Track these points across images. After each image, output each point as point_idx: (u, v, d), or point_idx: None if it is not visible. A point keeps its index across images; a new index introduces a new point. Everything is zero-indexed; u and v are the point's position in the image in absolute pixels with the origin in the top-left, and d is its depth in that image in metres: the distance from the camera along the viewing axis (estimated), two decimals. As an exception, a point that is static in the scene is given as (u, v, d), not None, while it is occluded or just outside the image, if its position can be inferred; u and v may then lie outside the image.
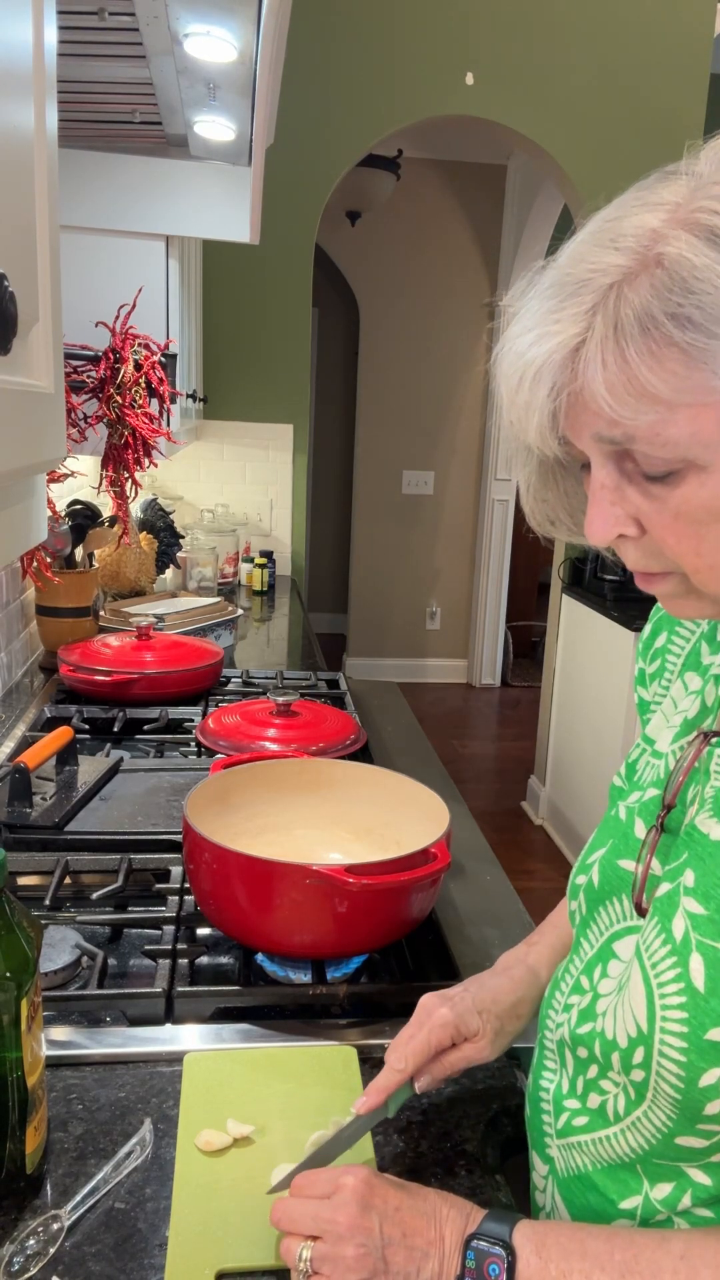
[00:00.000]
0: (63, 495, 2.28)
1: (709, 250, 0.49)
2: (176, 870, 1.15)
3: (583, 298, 0.53)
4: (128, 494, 1.76)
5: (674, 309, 0.49)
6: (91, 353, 1.61)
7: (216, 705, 1.84)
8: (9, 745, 1.58)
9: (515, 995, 0.80)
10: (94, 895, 1.09)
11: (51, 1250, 0.67)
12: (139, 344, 1.64)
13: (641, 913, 0.63)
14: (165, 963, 0.97)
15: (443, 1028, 0.75)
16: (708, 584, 0.57)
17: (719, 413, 0.50)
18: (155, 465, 1.74)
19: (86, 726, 1.70)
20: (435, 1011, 0.76)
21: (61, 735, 1.41)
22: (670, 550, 0.57)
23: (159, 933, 1.05)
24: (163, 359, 1.68)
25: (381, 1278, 0.60)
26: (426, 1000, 0.77)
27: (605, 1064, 0.64)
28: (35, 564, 1.69)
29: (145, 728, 1.71)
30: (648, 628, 0.78)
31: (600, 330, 0.52)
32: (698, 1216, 0.61)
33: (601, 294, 0.52)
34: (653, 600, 0.65)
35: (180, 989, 0.93)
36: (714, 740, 0.63)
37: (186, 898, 1.09)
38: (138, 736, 1.68)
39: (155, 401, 1.67)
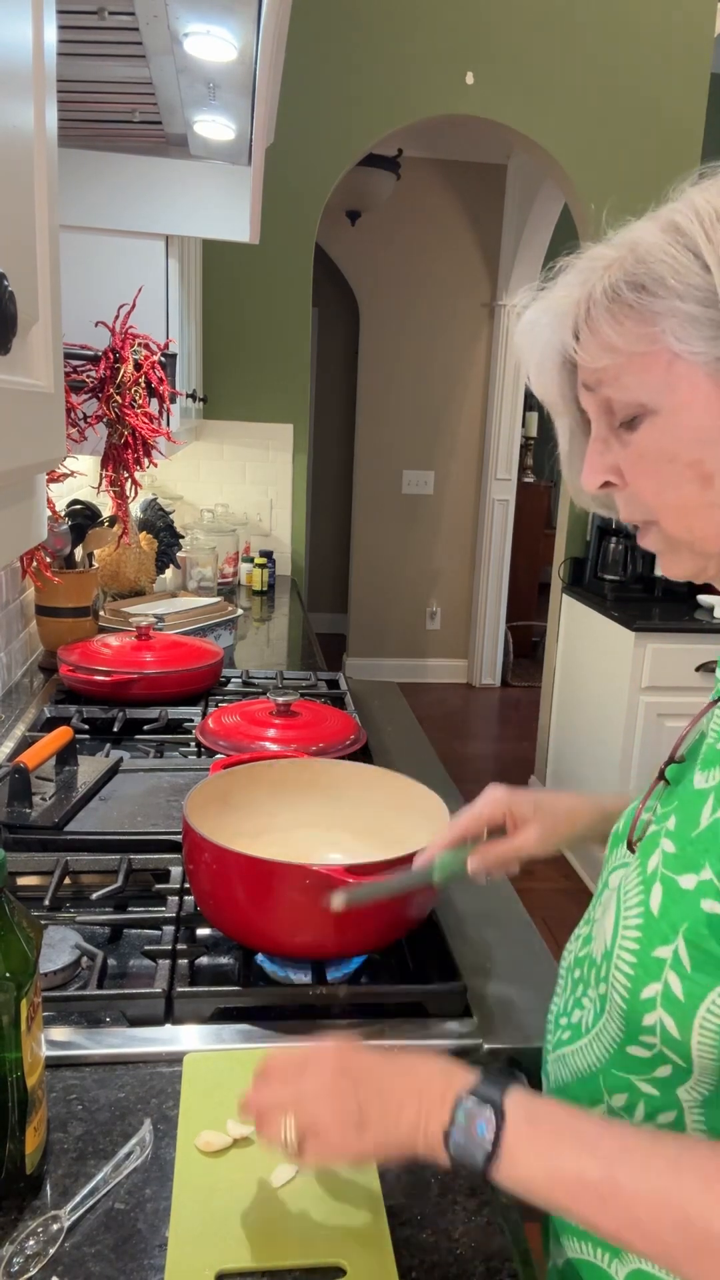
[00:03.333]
0: (63, 495, 2.28)
1: (662, 234, 0.61)
2: (176, 870, 1.15)
3: (577, 278, 0.66)
4: (127, 494, 1.76)
5: (630, 277, 0.62)
6: (91, 352, 1.61)
7: (216, 705, 1.84)
8: (9, 745, 1.58)
9: (572, 803, 0.89)
10: (94, 895, 1.09)
11: (51, 1251, 0.67)
12: (139, 344, 1.64)
13: (632, 850, 0.71)
14: (165, 963, 0.97)
15: (494, 803, 0.87)
16: (672, 528, 0.66)
17: (663, 361, 0.61)
18: (155, 465, 1.74)
19: (86, 726, 1.70)
20: (493, 791, 0.88)
21: (61, 735, 1.41)
22: (640, 493, 0.66)
23: (159, 933, 1.05)
24: (162, 359, 1.68)
25: (367, 1131, 0.62)
26: (490, 787, 0.88)
27: (587, 982, 0.72)
28: (35, 564, 1.69)
29: (145, 728, 1.70)
30: None
31: (578, 295, 0.65)
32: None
33: (588, 274, 0.65)
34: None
35: (180, 989, 0.93)
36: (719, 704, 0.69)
37: (186, 898, 1.09)
38: (137, 737, 1.68)
39: (155, 401, 1.67)
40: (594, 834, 0.88)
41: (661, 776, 0.72)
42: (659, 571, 3.22)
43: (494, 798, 0.88)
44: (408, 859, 0.94)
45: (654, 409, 0.63)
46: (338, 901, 0.85)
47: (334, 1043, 0.67)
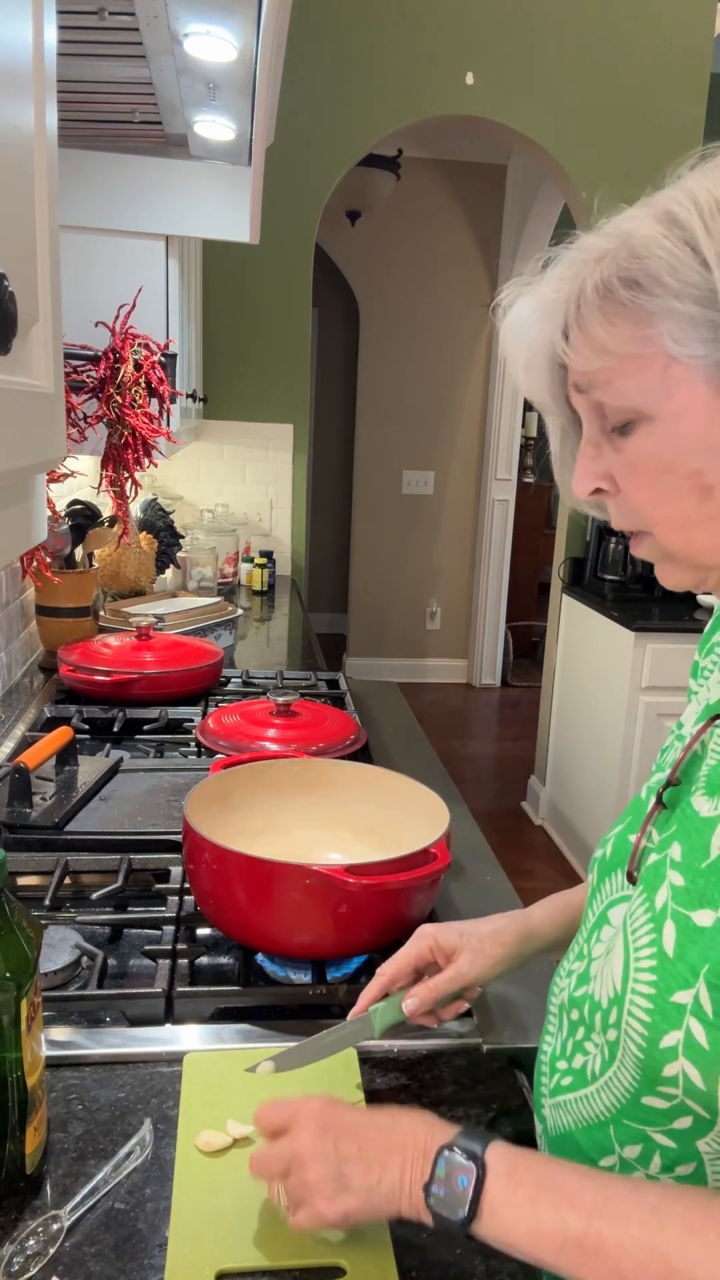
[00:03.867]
0: (63, 495, 2.28)
1: (658, 225, 0.57)
2: (176, 870, 1.15)
3: (568, 270, 0.62)
4: (127, 494, 1.76)
5: (624, 273, 0.57)
6: (91, 352, 1.61)
7: (216, 705, 1.84)
8: (9, 745, 1.58)
9: (496, 925, 0.86)
10: (94, 895, 1.09)
11: (51, 1250, 0.67)
12: (139, 344, 1.64)
13: (632, 881, 0.66)
14: (165, 963, 0.97)
15: (421, 938, 0.83)
16: (668, 540, 0.62)
17: (659, 365, 0.58)
18: (155, 465, 1.74)
19: (86, 726, 1.70)
20: (420, 930, 0.84)
21: (61, 735, 1.41)
22: (634, 503, 0.62)
23: (159, 933, 1.05)
24: (162, 359, 1.68)
25: (346, 1195, 0.61)
26: (419, 929, 0.85)
27: (590, 1025, 0.67)
28: (35, 564, 1.69)
29: (145, 728, 1.70)
30: (711, 623, 0.81)
31: (568, 291, 0.61)
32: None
33: (578, 267, 0.61)
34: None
35: (180, 989, 0.93)
36: (718, 721, 0.65)
37: (186, 898, 1.09)
38: (138, 737, 1.68)
39: (155, 401, 1.67)
40: (526, 953, 0.85)
41: (660, 801, 0.67)
42: (659, 571, 3.21)
43: (417, 935, 0.84)
44: (408, 859, 0.94)
45: (649, 415, 0.59)
46: (263, 1068, 0.77)
47: (318, 1100, 0.66)
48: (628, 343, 0.58)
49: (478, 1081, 0.86)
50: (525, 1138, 0.77)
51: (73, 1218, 0.69)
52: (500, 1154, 0.60)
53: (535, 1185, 0.58)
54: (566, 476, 0.73)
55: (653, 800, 0.69)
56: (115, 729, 1.68)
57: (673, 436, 0.58)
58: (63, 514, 2.15)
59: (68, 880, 1.15)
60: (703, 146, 0.60)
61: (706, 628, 0.81)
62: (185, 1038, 0.89)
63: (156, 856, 1.18)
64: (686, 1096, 0.58)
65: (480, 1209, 0.58)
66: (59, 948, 0.97)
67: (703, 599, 3.21)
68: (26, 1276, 0.65)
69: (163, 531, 2.95)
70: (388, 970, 0.83)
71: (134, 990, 0.93)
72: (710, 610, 3.15)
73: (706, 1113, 0.58)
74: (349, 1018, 0.81)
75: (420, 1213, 0.60)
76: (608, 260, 0.58)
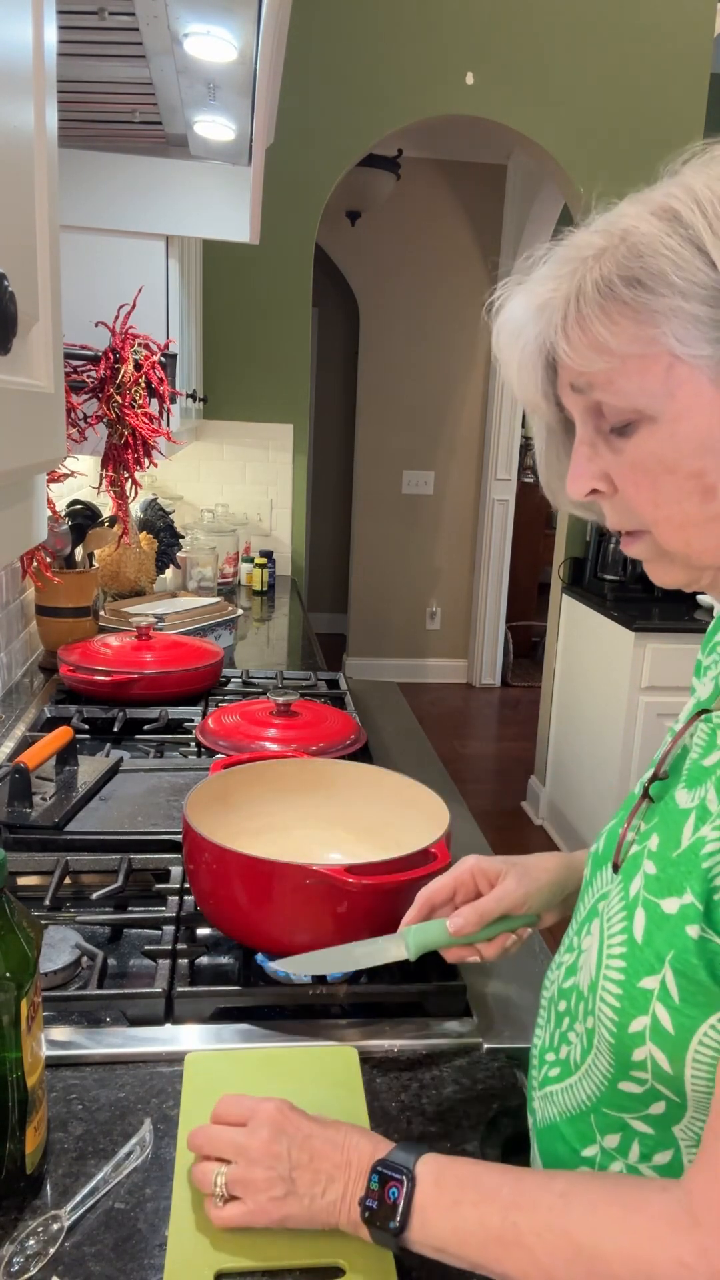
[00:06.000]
0: (63, 495, 2.28)
1: (659, 223, 0.56)
2: (176, 870, 1.15)
3: (562, 268, 0.61)
4: (128, 494, 1.76)
5: (626, 272, 0.56)
6: (91, 352, 1.61)
7: (216, 705, 1.84)
8: (9, 745, 1.58)
9: (540, 856, 0.85)
10: (94, 895, 1.09)
11: (51, 1250, 0.67)
12: (139, 344, 1.64)
13: (617, 872, 0.67)
14: (165, 963, 0.97)
15: (462, 866, 0.82)
16: (668, 540, 0.61)
17: (663, 365, 0.57)
18: (155, 465, 1.74)
19: (86, 726, 1.70)
20: (462, 860, 0.83)
21: (61, 735, 1.41)
22: (633, 503, 0.62)
23: (159, 933, 1.05)
24: (162, 359, 1.68)
25: (291, 1199, 0.63)
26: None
27: (575, 1015, 0.68)
28: (35, 564, 1.69)
29: (145, 728, 1.70)
30: (715, 620, 0.81)
31: (565, 289, 0.60)
32: (650, 1172, 0.62)
33: (575, 264, 0.60)
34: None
35: (180, 989, 0.93)
36: (703, 716, 0.66)
37: (186, 898, 1.09)
38: (137, 737, 1.68)
39: (155, 401, 1.67)
40: (569, 883, 0.84)
41: (646, 794, 0.68)
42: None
43: (460, 862, 0.83)
44: (408, 859, 0.94)
45: (652, 416, 0.58)
46: (286, 964, 0.80)
47: (275, 1102, 0.68)
48: (631, 342, 0.57)
49: (477, 1081, 0.86)
50: (525, 1137, 0.77)
51: (73, 1218, 0.69)
52: (429, 1165, 0.62)
53: (458, 1187, 0.60)
54: (553, 477, 0.72)
55: (640, 793, 0.70)
56: (115, 729, 1.68)
57: (676, 437, 0.58)
58: (63, 514, 2.15)
59: (68, 880, 1.15)
60: (700, 141, 0.59)
61: (710, 626, 0.81)
62: (185, 1038, 0.89)
63: (156, 856, 1.18)
64: (656, 1081, 0.59)
65: (410, 1219, 0.60)
66: (59, 948, 0.97)
67: (702, 599, 3.21)
68: (26, 1276, 0.65)
69: (163, 531, 2.95)
70: (425, 893, 0.80)
71: (134, 990, 0.93)
72: (710, 610, 3.15)
73: (676, 1097, 0.59)
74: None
75: (357, 1227, 0.62)
76: (607, 258, 0.57)
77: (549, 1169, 0.67)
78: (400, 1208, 0.60)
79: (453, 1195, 0.60)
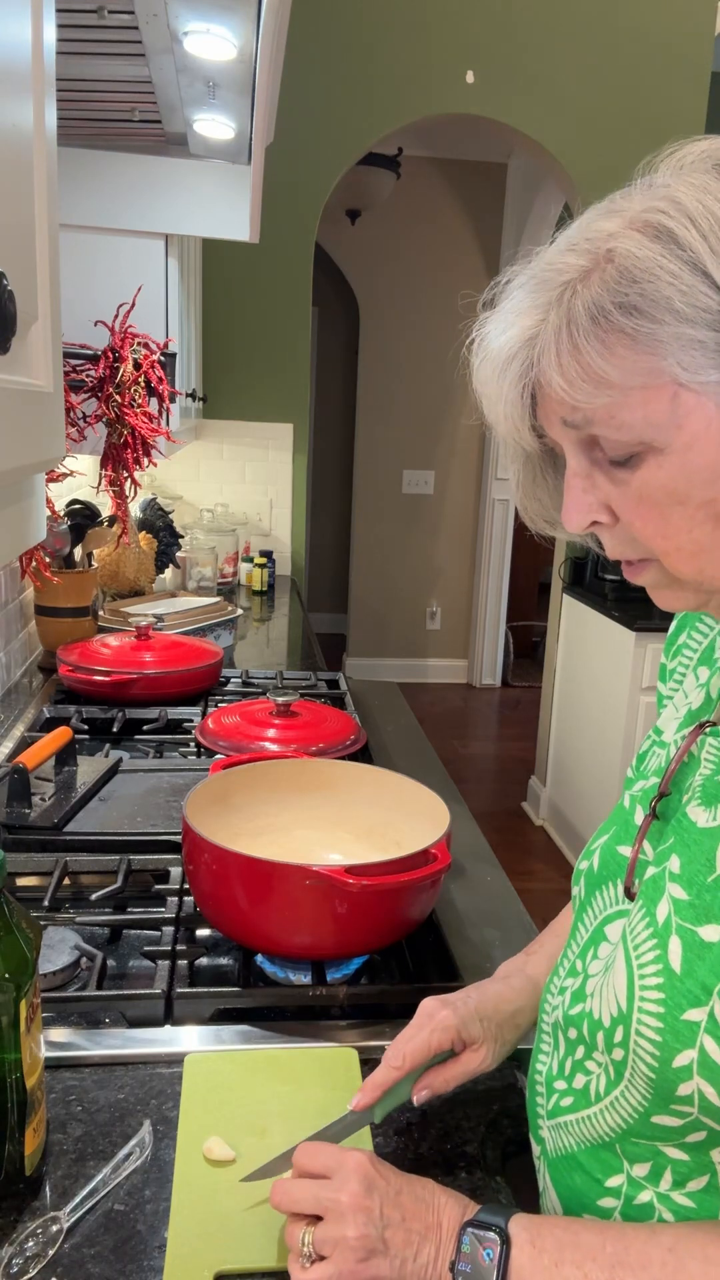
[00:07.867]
0: (62, 495, 2.27)
1: (652, 244, 0.53)
2: (176, 871, 1.15)
3: (542, 294, 0.57)
4: (127, 493, 1.76)
5: (620, 298, 0.53)
6: (91, 352, 1.61)
7: (216, 705, 1.84)
8: (8, 745, 1.57)
9: (515, 1004, 0.80)
10: (93, 896, 1.08)
11: (50, 1252, 0.67)
12: (138, 343, 1.64)
13: (630, 896, 0.65)
14: (165, 964, 0.97)
15: (444, 1030, 0.75)
16: (679, 568, 0.59)
17: (668, 395, 0.54)
18: (154, 465, 1.73)
19: (86, 727, 1.70)
20: (437, 1014, 0.75)
21: (60, 735, 1.41)
22: (639, 535, 0.59)
23: (158, 934, 1.05)
24: (162, 358, 1.68)
25: (380, 1258, 0.59)
26: (428, 1003, 0.77)
27: (591, 1044, 0.65)
28: (34, 564, 1.69)
29: (145, 728, 1.70)
30: (674, 624, 0.79)
31: (554, 321, 0.56)
32: (679, 1205, 0.61)
33: (559, 290, 0.56)
34: (652, 601, 0.65)
35: (180, 990, 0.93)
36: (708, 729, 0.64)
37: (186, 899, 1.09)
38: (137, 737, 1.68)
39: (155, 401, 1.67)
40: (533, 1021, 0.80)
41: (653, 813, 0.66)
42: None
43: (441, 1023, 0.75)
44: (408, 860, 0.94)
45: (659, 447, 0.55)
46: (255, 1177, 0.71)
47: (362, 1153, 0.64)
48: (632, 373, 0.54)
49: (477, 1082, 0.86)
50: (526, 1138, 0.77)
51: (72, 1219, 0.69)
52: (522, 1224, 0.60)
53: (558, 1247, 0.58)
54: (533, 505, 0.69)
55: (640, 810, 0.68)
56: (115, 729, 1.68)
57: (686, 468, 0.55)
58: (62, 514, 2.15)
59: (67, 881, 1.15)
60: (671, 144, 0.56)
61: (670, 630, 0.80)
62: (185, 1039, 0.89)
63: (156, 857, 1.18)
64: (703, 1114, 0.57)
65: (508, 1278, 0.58)
66: (58, 948, 0.97)
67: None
68: (26, 1278, 0.65)
69: (162, 531, 2.95)
70: (404, 1062, 0.74)
71: (133, 991, 0.92)
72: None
73: None
74: (353, 1105, 0.73)
75: None
76: (593, 282, 0.54)
77: (645, 1224, 0.63)
78: (496, 1270, 0.58)
79: (552, 1256, 0.58)
